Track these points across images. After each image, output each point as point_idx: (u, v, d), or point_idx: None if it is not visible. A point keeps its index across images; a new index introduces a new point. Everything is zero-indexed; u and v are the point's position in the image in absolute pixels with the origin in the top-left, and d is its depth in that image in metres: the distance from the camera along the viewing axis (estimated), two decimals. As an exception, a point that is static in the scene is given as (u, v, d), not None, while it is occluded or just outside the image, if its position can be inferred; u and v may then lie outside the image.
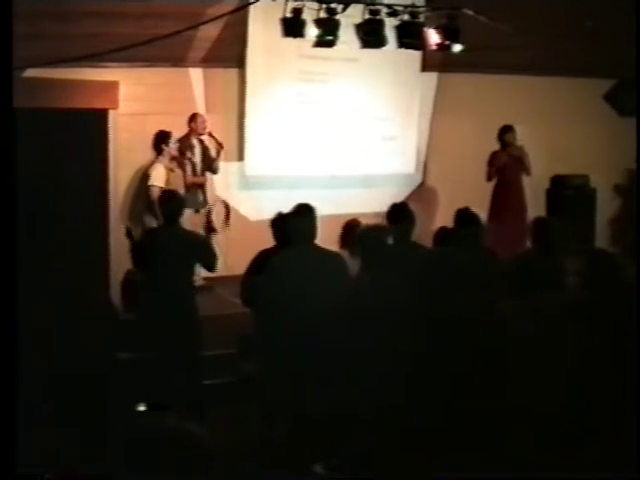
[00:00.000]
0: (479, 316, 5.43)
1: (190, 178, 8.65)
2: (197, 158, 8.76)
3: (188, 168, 8.65)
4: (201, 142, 8.81)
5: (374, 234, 5.64)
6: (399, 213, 6.41)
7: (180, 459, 2.26)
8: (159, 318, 6.18)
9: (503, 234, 8.88)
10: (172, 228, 6.49)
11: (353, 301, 5.34)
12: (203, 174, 8.83)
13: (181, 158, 8.58)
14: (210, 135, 8.80)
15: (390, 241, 5.59)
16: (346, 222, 6.61)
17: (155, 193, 8.16)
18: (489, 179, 9.50)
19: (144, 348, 5.99)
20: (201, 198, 8.83)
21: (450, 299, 5.44)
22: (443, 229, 6.52)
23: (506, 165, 9.49)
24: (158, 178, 8.29)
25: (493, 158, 9.51)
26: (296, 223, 5.90)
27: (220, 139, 8.85)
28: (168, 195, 6.95)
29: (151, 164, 8.44)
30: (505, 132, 9.51)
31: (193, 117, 8.77)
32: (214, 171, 8.94)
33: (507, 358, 5.14)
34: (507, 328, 5.36)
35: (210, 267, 6.66)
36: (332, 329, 5.29)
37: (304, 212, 6.06)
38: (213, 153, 8.86)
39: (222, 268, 9.09)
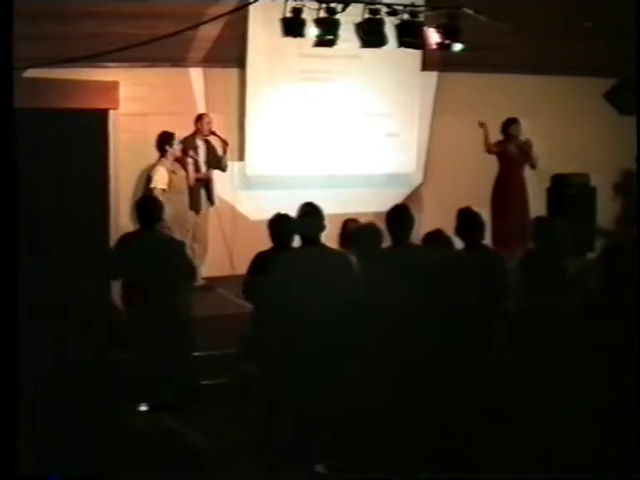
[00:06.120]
0: (483, 315, 5.43)
1: (193, 176, 8.66)
2: (201, 158, 8.78)
3: (190, 168, 8.66)
4: (207, 142, 8.83)
5: (370, 234, 5.65)
6: (399, 215, 6.36)
7: (173, 458, 2.27)
8: (143, 322, 6.16)
9: (506, 229, 8.87)
10: (147, 233, 6.34)
11: (355, 301, 5.34)
12: (208, 172, 8.84)
13: (184, 158, 8.59)
14: (213, 133, 8.81)
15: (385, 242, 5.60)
16: (344, 221, 6.60)
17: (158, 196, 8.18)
18: (489, 152, 9.48)
19: (134, 350, 5.99)
20: (204, 198, 8.83)
21: (454, 299, 5.44)
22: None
23: (510, 157, 9.45)
24: (160, 181, 8.32)
25: (497, 144, 9.52)
26: (299, 223, 5.88)
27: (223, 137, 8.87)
28: (144, 200, 6.91)
29: (153, 166, 8.45)
30: (510, 124, 9.49)
31: (199, 117, 8.80)
32: (223, 169, 8.94)
33: (510, 357, 5.14)
34: (510, 327, 5.36)
35: (187, 276, 6.50)
36: (335, 329, 5.29)
37: (310, 212, 6.01)
38: (220, 152, 8.88)
39: (223, 268, 9.17)
